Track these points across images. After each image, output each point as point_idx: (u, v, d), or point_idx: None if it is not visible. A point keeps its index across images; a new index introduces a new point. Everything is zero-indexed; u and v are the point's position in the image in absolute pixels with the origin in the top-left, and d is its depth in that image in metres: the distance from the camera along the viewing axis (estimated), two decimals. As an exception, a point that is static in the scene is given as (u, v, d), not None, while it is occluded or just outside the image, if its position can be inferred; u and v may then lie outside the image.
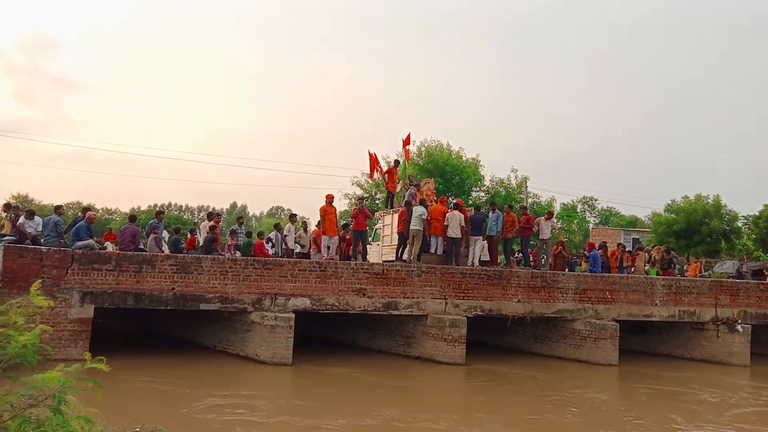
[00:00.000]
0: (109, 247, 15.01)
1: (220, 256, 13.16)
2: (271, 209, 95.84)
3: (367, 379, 11.92)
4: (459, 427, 8.62)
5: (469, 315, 14.04)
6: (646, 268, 17.61)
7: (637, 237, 39.98)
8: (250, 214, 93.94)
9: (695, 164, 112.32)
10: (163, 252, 13.43)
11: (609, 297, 15.34)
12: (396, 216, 15.94)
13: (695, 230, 34.75)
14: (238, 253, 14.14)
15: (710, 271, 25.75)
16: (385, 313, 13.72)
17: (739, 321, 15.88)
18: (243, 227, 15.60)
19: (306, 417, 8.71)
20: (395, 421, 8.73)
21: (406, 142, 18.84)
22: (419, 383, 12.08)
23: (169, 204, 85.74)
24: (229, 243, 14.65)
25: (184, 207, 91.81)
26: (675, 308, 15.88)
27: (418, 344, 13.97)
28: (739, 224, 36.47)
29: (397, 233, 15.31)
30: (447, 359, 13.33)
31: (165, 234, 15.57)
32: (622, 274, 16.38)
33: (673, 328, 16.53)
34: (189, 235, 15.43)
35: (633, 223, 57.18)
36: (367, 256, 16.32)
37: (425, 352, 13.73)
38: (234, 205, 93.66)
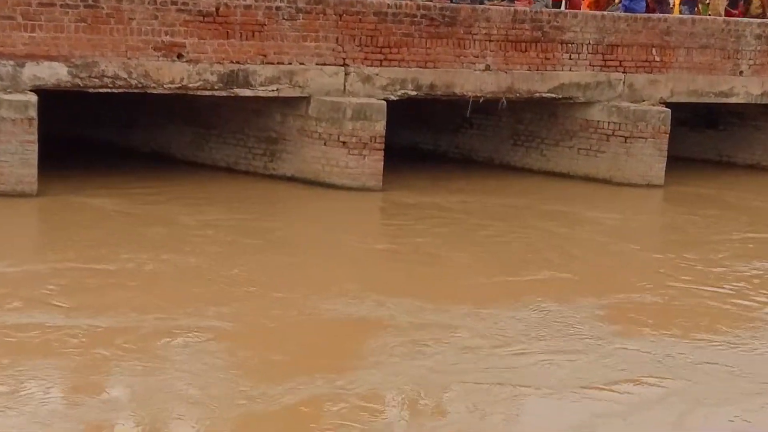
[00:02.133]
0: None
1: None
2: None
3: (190, 222, 12.10)
4: (382, 313, 8.89)
5: (393, 96, 14.46)
6: None
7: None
8: None
9: None
10: None
11: (657, 60, 16.08)
12: None
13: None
14: None
15: None
16: (224, 93, 13.78)
17: None
18: None
19: (86, 311, 8.51)
20: (253, 307, 8.89)
21: None
22: (294, 228, 12.51)
23: None
24: None
25: None
26: (776, 79, 16.57)
27: (293, 153, 14.39)
28: None
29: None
30: (348, 181, 13.99)
31: None
32: (684, 16, 17.13)
33: (768, 117, 17.58)
34: None
35: None
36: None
37: (306, 169, 14.24)
38: None
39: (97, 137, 16.46)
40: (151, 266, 10.05)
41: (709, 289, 10.40)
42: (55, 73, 12.83)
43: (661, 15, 16.85)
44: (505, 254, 11.75)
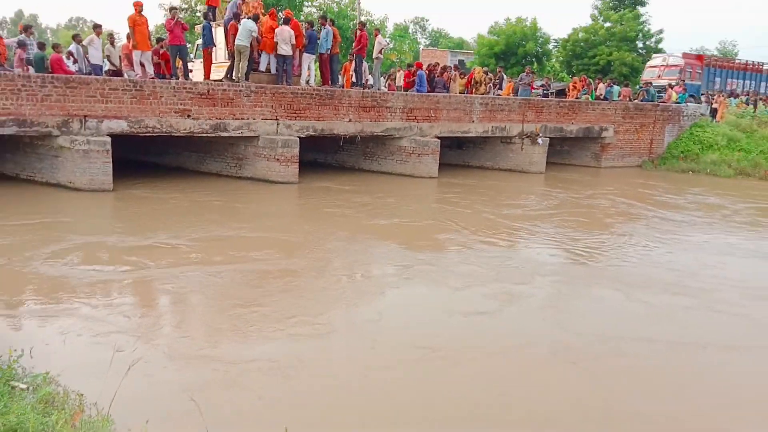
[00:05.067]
0: None
1: (7, 72, 11.31)
2: (70, 20, 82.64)
3: (199, 200, 11.74)
4: (295, 236, 9.14)
5: (302, 135, 14.02)
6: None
7: (463, 59, 41.79)
8: (44, 26, 80.00)
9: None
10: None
11: (433, 115, 16.08)
12: (222, 30, 14.63)
13: (513, 52, 37.14)
14: (30, 69, 12.22)
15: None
16: (213, 135, 13.18)
17: (540, 134, 17.79)
18: (33, 38, 13.26)
19: (138, 235, 8.69)
20: (231, 235, 8.99)
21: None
22: (254, 201, 12.28)
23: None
24: (20, 56, 12.50)
25: (-50, 14, 74.79)
26: (489, 124, 17.11)
27: (251, 165, 13.90)
28: (550, 47, 39.67)
29: (228, 51, 14.18)
30: (280, 179, 13.57)
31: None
32: (446, 94, 17.15)
33: (487, 143, 18.03)
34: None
35: (460, 45, 59.26)
36: (191, 75, 15.15)
37: (258, 173, 13.75)
38: (20, 15, 78.27)
39: (147, 160, 15.66)
40: (201, 232, 9.48)
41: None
42: (119, 126, 12.11)
43: (435, 94, 16.83)
44: (371, 209, 11.52)
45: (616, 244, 9.63)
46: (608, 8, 37.76)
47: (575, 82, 21.84)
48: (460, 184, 15.25)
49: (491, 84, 19.69)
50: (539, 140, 17.64)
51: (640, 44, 36.72)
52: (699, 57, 28.53)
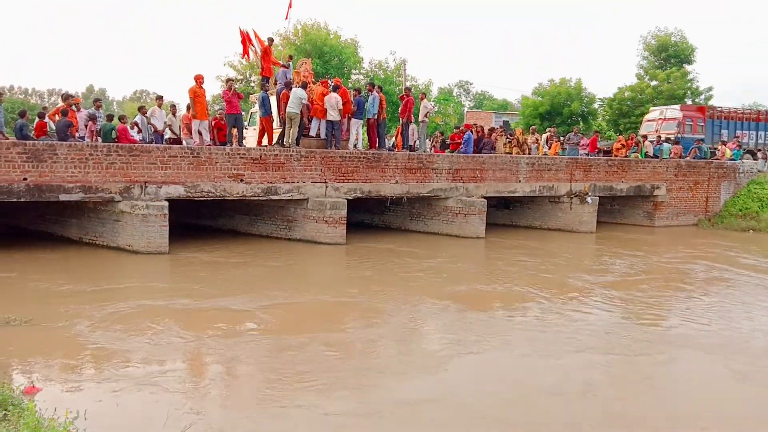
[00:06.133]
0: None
1: (77, 143, 12.07)
2: (135, 93, 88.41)
3: (251, 262, 11.93)
4: (349, 299, 9.09)
5: (349, 197, 14.20)
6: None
7: (507, 120, 42.14)
8: (111, 98, 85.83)
9: (563, 47, 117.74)
10: (5, 137, 12.01)
11: (479, 176, 16.14)
12: (275, 99, 15.24)
13: (558, 112, 37.25)
14: (98, 139, 13.00)
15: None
16: (264, 198, 13.51)
17: (589, 193, 17.51)
18: (102, 110, 14.19)
19: (194, 299, 8.77)
20: (285, 300, 8.97)
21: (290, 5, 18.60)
22: (303, 263, 12.39)
23: (11, 87, 75.30)
24: (90, 128, 13.35)
25: (30, 90, 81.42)
26: (536, 184, 17.01)
27: (300, 227, 14.08)
28: (596, 106, 39.58)
29: (280, 118, 14.80)
30: (328, 240, 13.65)
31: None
32: (491, 154, 17.21)
33: (534, 202, 17.84)
34: (38, 120, 13.79)
35: (504, 106, 59.95)
36: (245, 141, 15.74)
37: (307, 235, 13.90)
38: (91, 89, 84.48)
39: (201, 223, 16.02)
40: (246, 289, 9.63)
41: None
42: (177, 191, 12.60)
43: (480, 155, 16.90)
44: (385, 268, 11.37)
45: (722, 313, 8.89)
46: (654, 67, 37.66)
47: (622, 141, 21.52)
48: (513, 245, 15.00)
49: (537, 144, 19.65)
50: (588, 199, 17.34)
51: (689, 101, 36.22)
52: (700, 109, 27.25)
